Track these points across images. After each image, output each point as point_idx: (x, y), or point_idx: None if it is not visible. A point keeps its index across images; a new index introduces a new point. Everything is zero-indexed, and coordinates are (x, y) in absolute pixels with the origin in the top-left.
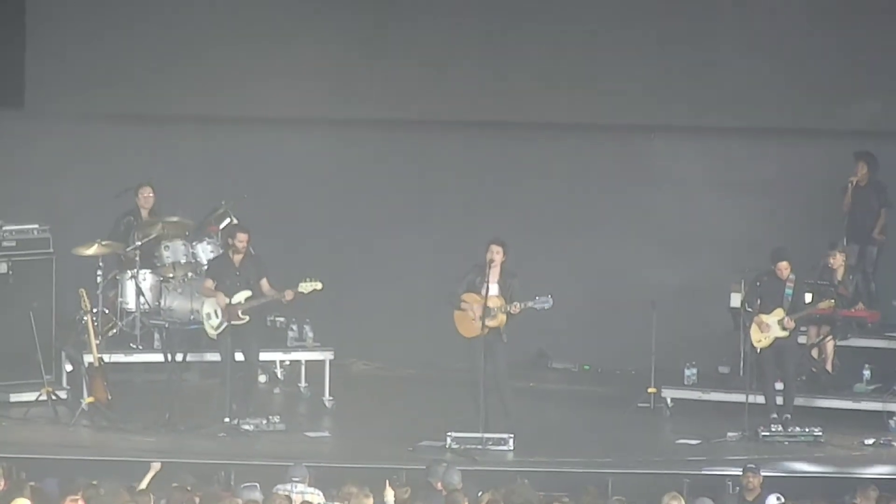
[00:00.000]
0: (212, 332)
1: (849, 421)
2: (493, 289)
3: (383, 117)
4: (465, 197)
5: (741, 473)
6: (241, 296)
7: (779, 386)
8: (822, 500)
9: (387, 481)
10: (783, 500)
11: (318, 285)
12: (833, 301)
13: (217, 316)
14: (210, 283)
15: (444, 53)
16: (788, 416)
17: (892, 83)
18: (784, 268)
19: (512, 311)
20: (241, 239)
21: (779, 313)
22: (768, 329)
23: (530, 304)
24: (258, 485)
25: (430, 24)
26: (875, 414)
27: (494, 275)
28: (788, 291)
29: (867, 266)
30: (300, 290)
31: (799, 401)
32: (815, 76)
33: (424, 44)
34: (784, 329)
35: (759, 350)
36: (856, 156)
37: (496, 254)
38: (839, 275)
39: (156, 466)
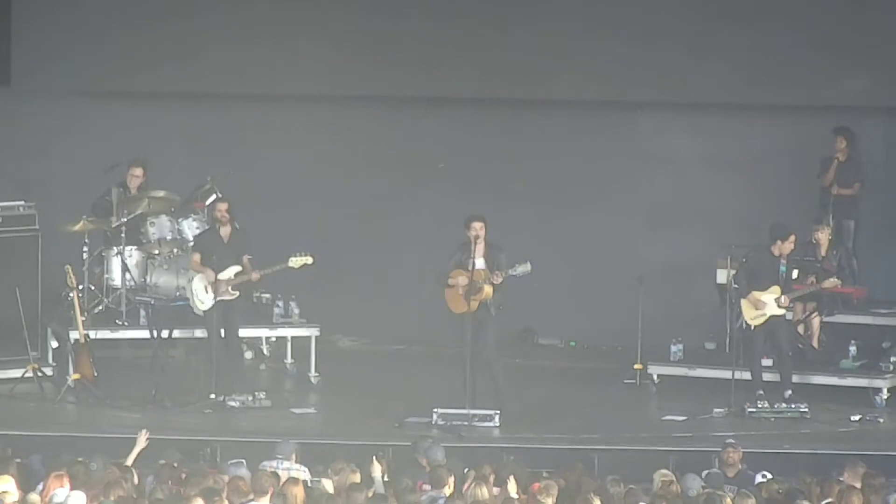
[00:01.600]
0: (200, 308)
1: (835, 397)
2: (480, 263)
3: (371, 94)
4: (453, 173)
5: (720, 449)
6: (231, 271)
7: (767, 362)
8: (809, 476)
9: (373, 457)
10: (770, 477)
11: (309, 259)
12: (839, 281)
13: (208, 292)
14: (198, 258)
15: (432, 31)
16: (790, 391)
17: (878, 59)
18: (791, 243)
19: (494, 281)
20: (220, 209)
21: (775, 290)
22: (763, 306)
23: (510, 271)
24: (244, 461)
25: (419, 0)
26: (861, 390)
27: (480, 250)
28: (783, 268)
29: (846, 241)
30: (290, 264)
31: (774, 377)
32: (801, 52)
33: (414, 21)
34: (780, 307)
35: (752, 327)
36: (835, 131)
37: (478, 230)
38: (823, 250)
39: (142, 441)
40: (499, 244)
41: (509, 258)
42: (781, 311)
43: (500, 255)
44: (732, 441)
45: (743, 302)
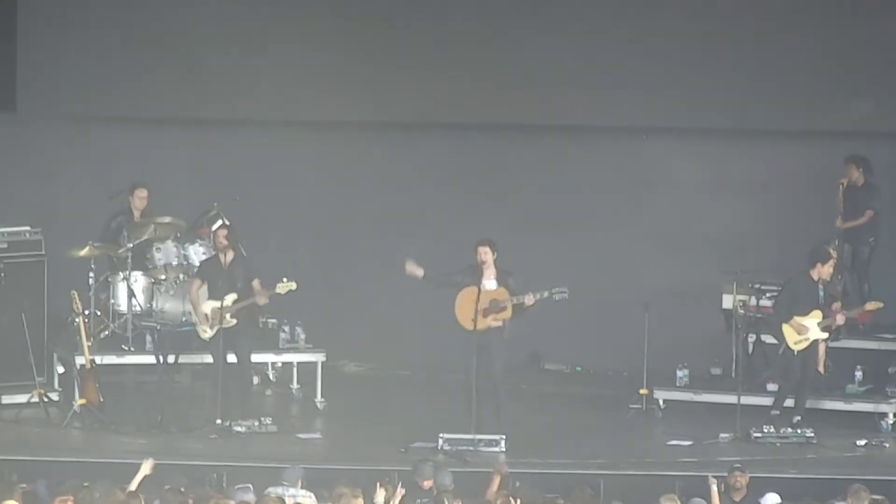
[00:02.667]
0: (204, 335)
1: (841, 422)
2: (493, 284)
3: (377, 119)
4: (458, 198)
5: (727, 474)
6: (229, 299)
7: (772, 387)
8: (814, 501)
9: (377, 483)
10: (779, 500)
11: (293, 286)
12: (882, 304)
13: (206, 322)
14: (197, 285)
15: (436, 55)
16: (799, 417)
17: (883, 84)
18: (830, 266)
19: (526, 303)
20: (219, 235)
21: (816, 315)
22: (806, 331)
23: (547, 293)
24: (251, 486)
25: (422, 25)
26: (867, 415)
27: (490, 274)
28: (822, 293)
29: (860, 267)
30: (277, 290)
31: (790, 402)
32: (807, 77)
33: (416, 46)
34: (823, 330)
35: (795, 353)
36: (846, 159)
37: (485, 254)
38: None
39: (146, 467)
40: (508, 269)
41: (518, 282)
42: (825, 335)
43: (510, 280)
44: (740, 465)
45: (785, 327)
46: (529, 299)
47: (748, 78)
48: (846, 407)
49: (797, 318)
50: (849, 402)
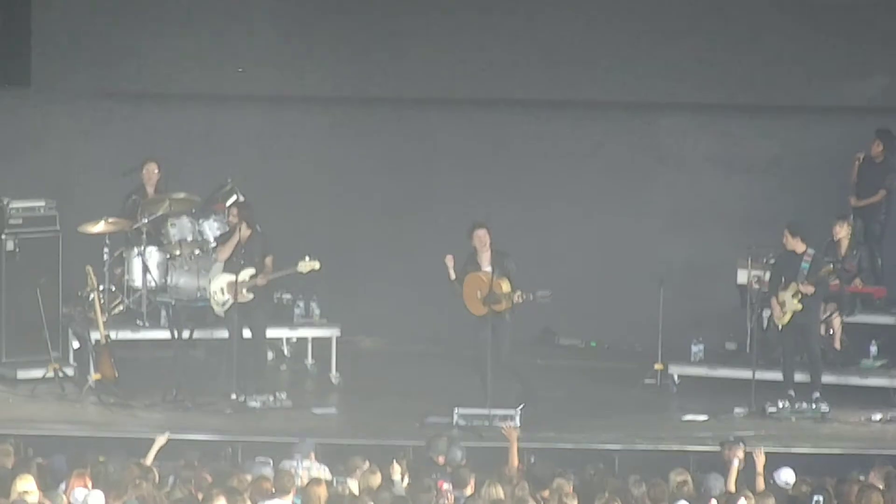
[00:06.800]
0: (218, 310)
1: (856, 397)
2: (488, 268)
3: (389, 95)
4: (471, 174)
5: (719, 448)
6: (245, 273)
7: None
8: (829, 476)
9: (394, 459)
10: (793, 476)
11: (316, 265)
12: (831, 266)
13: (224, 293)
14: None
15: (446, 31)
16: (818, 393)
17: None
18: (791, 241)
19: (516, 301)
20: (232, 213)
21: (792, 287)
22: (784, 305)
23: (531, 296)
24: (271, 460)
25: (431, 1)
26: (882, 390)
27: (487, 258)
28: (805, 265)
29: (872, 243)
30: (299, 269)
31: (806, 377)
32: (821, 52)
33: (428, 22)
34: (799, 302)
35: (780, 328)
36: (876, 133)
37: (482, 237)
38: (843, 247)
39: (161, 440)
40: (505, 250)
41: (528, 261)
42: (800, 307)
43: (507, 261)
44: (732, 439)
45: (772, 303)
46: (518, 298)
47: (763, 54)
48: (861, 382)
49: (780, 293)
50: (864, 377)
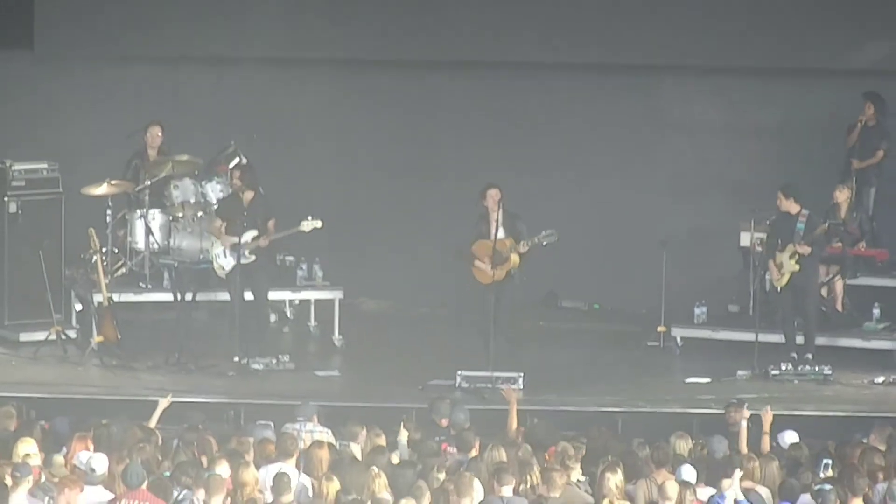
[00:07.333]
0: (221, 272)
1: (858, 359)
2: (501, 232)
3: (394, 58)
4: (476, 137)
5: (724, 410)
6: (248, 235)
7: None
8: (831, 438)
9: (402, 422)
10: (797, 438)
11: (318, 224)
12: (827, 224)
13: (226, 255)
14: (219, 223)
15: None
16: (810, 355)
17: None
18: (785, 202)
19: (521, 250)
20: (234, 176)
21: (789, 249)
22: (782, 267)
23: (535, 239)
24: (272, 423)
25: None
26: (885, 353)
27: (497, 219)
28: (800, 226)
29: (866, 206)
30: (301, 228)
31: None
32: (823, 16)
33: None
34: (797, 263)
35: (778, 290)
36: (864, 96)
37: (494, 196)
38: (843, 211)
39: (164, 402)
40: (516, 212)
41: (531, 224)
42: (797, 267)
43: (518, 224)
44: (735, 401)
45: (770, 265)
46: (523, 247)
47: (766, 17)
48: (864, 344)
49: (776, 255)
50: (867, 340)
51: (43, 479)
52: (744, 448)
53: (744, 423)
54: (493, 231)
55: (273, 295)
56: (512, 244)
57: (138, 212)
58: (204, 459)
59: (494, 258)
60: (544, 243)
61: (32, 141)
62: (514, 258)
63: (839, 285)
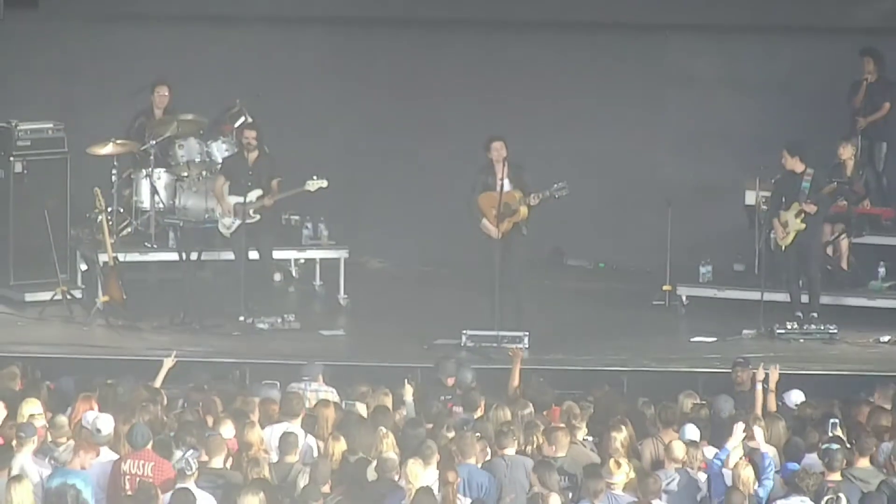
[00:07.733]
0: (225, 231)
1: (864, 318)
2: (507, 185)
3: (397, 16)
4: (479, 95)
5: (731, 369)
6: (253, 195)
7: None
8: (836, 397)
9: (405, 380)
10: (803, 397)
11: (324, 183)
12: (835, 185)
13: (231, 214)
14: (222, 182)
15: None
16: (815, 314)
17: None
18: (790, 161)
19: (531, 203)
20: (248, 136)
21: (795, 207)
22: (787, 225)
23: (548, 192)
24: (278, 383)
25: None
26: (890, 311)
27: (503, 171)
28: (805, 185)
29: (877, 162)
30: (306, 188)
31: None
32: None
33: None
34: (802, 221)
35: (783, 248)
36: (862, 52)
37: (499, 149)
38: (849, 168)
39: (169, 362)
40: (519, 163)
41: (536, 183)
42: (803, 226)
43: (524, 175)
44: (741, 360)
45: (775, 224)
46: (534, 199)
47: None
48: (869, 303)
49: (781, 214)
50: (872, 299)
51: (49, 438)
52: (759, 411)
53: (759, 387)
54: (498, 183)
55: (278, 254)
56: (521, 197)
57: (144, 171)
58: (209, 419)
59: (503, 211)
60: (556, 196)
61: (37, 100)
62: (523, 210)
63: (844, 244)
